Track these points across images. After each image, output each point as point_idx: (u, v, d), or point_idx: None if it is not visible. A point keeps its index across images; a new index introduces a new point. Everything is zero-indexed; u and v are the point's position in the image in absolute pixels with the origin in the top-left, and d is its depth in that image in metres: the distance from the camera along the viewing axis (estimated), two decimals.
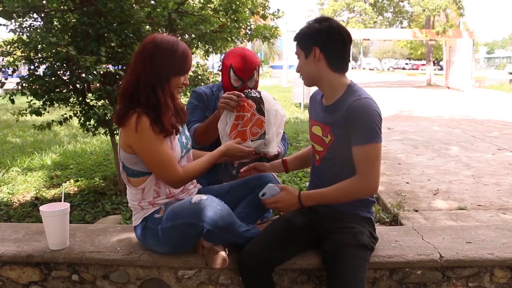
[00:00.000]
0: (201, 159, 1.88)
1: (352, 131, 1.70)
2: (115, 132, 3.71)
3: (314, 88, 1.94)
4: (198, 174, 1.86)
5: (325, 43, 1.74)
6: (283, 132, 2.57)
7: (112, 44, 3.52)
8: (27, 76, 3.36)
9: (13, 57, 3.44)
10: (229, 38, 4.21)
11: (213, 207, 1.71)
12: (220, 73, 2.94)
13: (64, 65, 3.35)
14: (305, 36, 1.78)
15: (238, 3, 3.97)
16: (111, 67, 3.64)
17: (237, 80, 2.35)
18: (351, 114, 1.69)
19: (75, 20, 3.41)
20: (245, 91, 2.10)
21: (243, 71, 2.32)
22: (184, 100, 3.74)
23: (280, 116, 2.08)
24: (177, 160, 1.81)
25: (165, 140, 1.75)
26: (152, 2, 3.83)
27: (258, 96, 2.04)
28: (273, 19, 4.64)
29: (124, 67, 3.54)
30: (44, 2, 3.41)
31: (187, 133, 1.96)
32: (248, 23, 4.33)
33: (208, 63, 5.08)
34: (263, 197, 1.80)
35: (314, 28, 1.75)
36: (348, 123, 1.71)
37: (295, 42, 1.84)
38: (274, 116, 2.03)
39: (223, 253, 1.76)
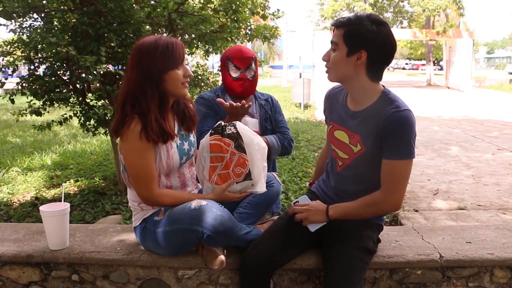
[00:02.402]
0: (186, 196, 1.82)
1: (386, 144, 1.62)
2: None
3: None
4: (173, 205, 1.79)
5: (375, 51, 1.59)
6: (287, 129, 2.58)
7: (112, 44, 3.53)
8: (27, 76, 3.37)
9: (13, 57, 3.44)
10: (229, 38, 4.21)
11: (213, 212, 1.70)
12: (220, 73, 2.96)
13: (64, 65, 3.35)
14: (357, 34, 1.58)
15: (238, 3, 3.97)
16: (111, 67, 3.64)
17: (235, 71, 2.39)
18: (388, 126, 1.60)
19: (75, 20, 3.41)
20: (220, 126, 1.84)
21: (240, 60, 2.39)
22: None
23: (262, 149, 1.86)
24: (175, 169, 1.80)
25: (160, 148, 1.73)
26: (152, 2, 3.83)
27: (235, 131, 1.81)
28: (273, 19, 4.65)
29: (124, 67, 3.54)
30: (44, 2, 3.41)
31: (192, 138, 1.92)
32: (248, 23, 4.34)
33: (208, 63, 5.09)
34: (295, 204, 1.86)
35: (371, 31, 1.57)
36: (383, 135, 1.62)
37: (337, 31, 1.62)
38: (256, 151, 1.81)
39: (221, 255, 1.75)
